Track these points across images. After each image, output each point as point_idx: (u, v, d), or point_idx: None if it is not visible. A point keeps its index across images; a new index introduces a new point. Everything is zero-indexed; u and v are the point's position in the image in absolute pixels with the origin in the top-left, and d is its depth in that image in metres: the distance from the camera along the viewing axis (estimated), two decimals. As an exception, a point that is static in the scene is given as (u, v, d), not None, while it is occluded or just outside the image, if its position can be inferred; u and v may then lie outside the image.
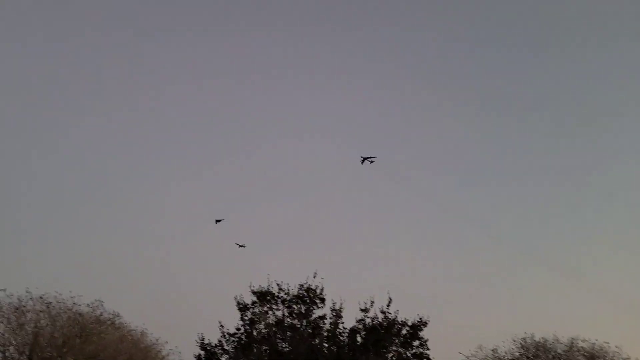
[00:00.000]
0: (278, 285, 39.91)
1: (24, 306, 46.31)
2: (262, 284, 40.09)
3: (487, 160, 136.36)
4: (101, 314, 49.36)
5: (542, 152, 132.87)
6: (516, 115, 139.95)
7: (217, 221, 62.02)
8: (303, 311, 39.11)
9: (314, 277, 39.85)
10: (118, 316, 50.93)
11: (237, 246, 61.14)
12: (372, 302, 39.15)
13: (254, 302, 39.56)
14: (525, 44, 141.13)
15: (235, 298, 39.78)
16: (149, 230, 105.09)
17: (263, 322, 38.81)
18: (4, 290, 46.63)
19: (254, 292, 39.77)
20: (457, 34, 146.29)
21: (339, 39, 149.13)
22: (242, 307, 39.45)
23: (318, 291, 39.63)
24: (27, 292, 47.04)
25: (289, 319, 39.10)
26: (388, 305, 38.90)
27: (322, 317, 39.03)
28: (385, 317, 38.70)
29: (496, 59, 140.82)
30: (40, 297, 47.17)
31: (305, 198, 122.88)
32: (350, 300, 39.60)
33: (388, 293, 39.26)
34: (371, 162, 58.94)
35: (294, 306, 39.32)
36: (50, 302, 47.40)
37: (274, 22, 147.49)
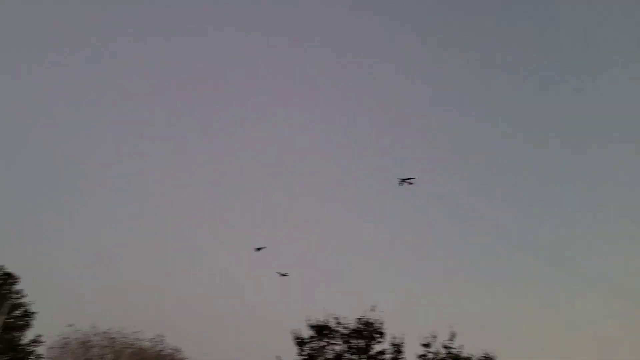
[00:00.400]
0: (335, 318, 38.98)
1: (89, 341, 47.56)
2: (318, 316, 39.31)
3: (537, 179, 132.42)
4: (162, 350, 49.91)
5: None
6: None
7: (258, 249, 61.58)
8: (362, 346, 37.95)
9: (372, 310, 38.76)
10: (179, 351, 51.29)
11: (279, 275, 60.41)
12: (434, 337, 37.52)
13: (311, 337, 38.76)
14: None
15: (293, 332, 39.12)
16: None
17: (322, 357, 37.88)
18: (72, 325, 48.20)
19: (311, 326, 38.97)
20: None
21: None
22: (300, 342, 38.69)
23: (377, 325, 38.41)
24: (92, 327, 48.39)
25: (348, 354, 38.00)
26: (451, 340, 37.14)
27: (382, 352, 37.71)
28: (449, 353, 36.92)
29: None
30: (105, 332, 48.36)
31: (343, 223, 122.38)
32: (410, 334, 38.22)
33: (451, 326, 37.54)
34: (411, 183, 56.38)
35: (353, 341, 38.22)
36: (114, 338, 48.45)
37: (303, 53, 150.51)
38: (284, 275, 59.56)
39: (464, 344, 37.08)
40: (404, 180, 56.41)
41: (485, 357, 36.59)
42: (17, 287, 50.11)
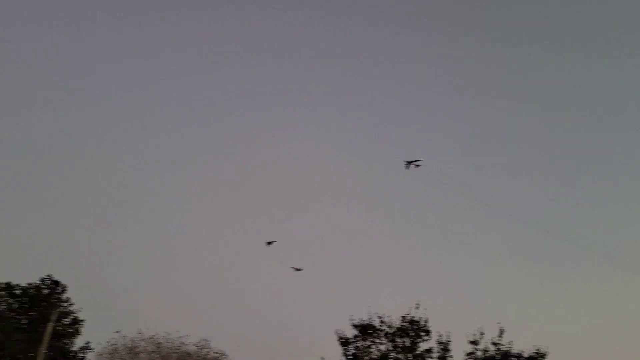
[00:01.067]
0: (379, 317, 38.36)
1: (136, 347, 48.13)
2: (362, 316, 38.84)
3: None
4: (207, 353, 50.08)
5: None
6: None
7: (269, 243, 60.51)
8: (408, 345, 37.22)
9: (417, 308, 38.00)
10: (224, 355, 51.40)
11: (294, 270, 59.54)
12: (482, 334, 36.50)
13: (355, 336, 38.25)
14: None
15: (337, 332, 38.72)
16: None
17: (366, 357, 37.31)
18: (119, 331, 48.94)
19: (355, 326, 38.46)
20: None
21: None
22: (344, 342, 38.23)
23: (422, 323, 37.62)
24: (138, 333, 48.98)
25: (393, 354, 37.33)
26: (500, 336, 36.05)
27: (429, 351, 36.92)
28: (498, 350, 35.85)
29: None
30: (151, 338, 48.85)
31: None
32: (457, 331, 37.31)
33: (499, 323, 36.43)
34: (417, 166, 53.85)
35: (398, 339, 37.52)
36: (160, 343, 48.89)
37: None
38: (299, 270, 58.80)
39: (513, 340, 36.00)
40: (409, 162, 54.11)
41: (536, 353, 35.36)
42: (66, 295, 51.21)
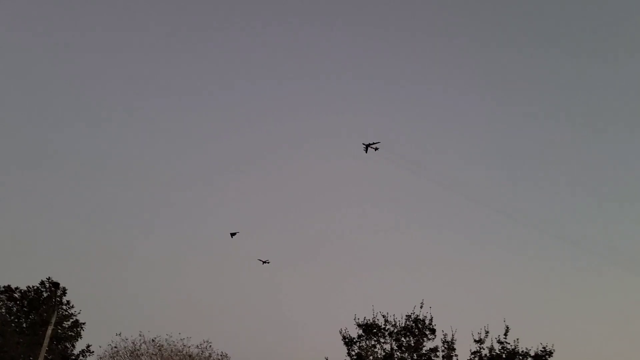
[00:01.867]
0: (384, 316, 38.01)
1: (138, 349, 47.74)
2: (366, 315, 38.48)
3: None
4: (210, 355, 49.74)
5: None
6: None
7: (232, 234, 59.88)
8: (412, 344, 36.81)
9: (421, 307, 37.62)
10: (226, 357, 51.05)
11: (261, 262, 59.15)
12: (487, 332, 36.05)
13: (360, 336, 37.87)
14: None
15: (341, 332, 38.37)
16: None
17: (371, 357, 36.91)
18: (120, 334, 48.54)
19: (359, 325, 38.10)
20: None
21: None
22: (348, 342, 37.86)
23: (427, 322, 37.22)
24: (140, 335, 48.60)
25: (398, 353, 36.94)
26: (505, 334, 35.60)
27: (434, 350, 36.48)
28: (504, 348, 35.38)
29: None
30: (153, 340, 48.48)
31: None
32: (461, 330, 36.88)
33: (504, 321, 35.99)
34: (376, 149, 53.15)
35: (403, 339, 37.14)
36: (162, 345, 48.52)
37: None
38: (266, 262, 58.24)
39: (519, 338, 35.57)
40: (368, 145, 53.51)
41: (542, 351, 34.92)
42: (66, 298, 50.66)
